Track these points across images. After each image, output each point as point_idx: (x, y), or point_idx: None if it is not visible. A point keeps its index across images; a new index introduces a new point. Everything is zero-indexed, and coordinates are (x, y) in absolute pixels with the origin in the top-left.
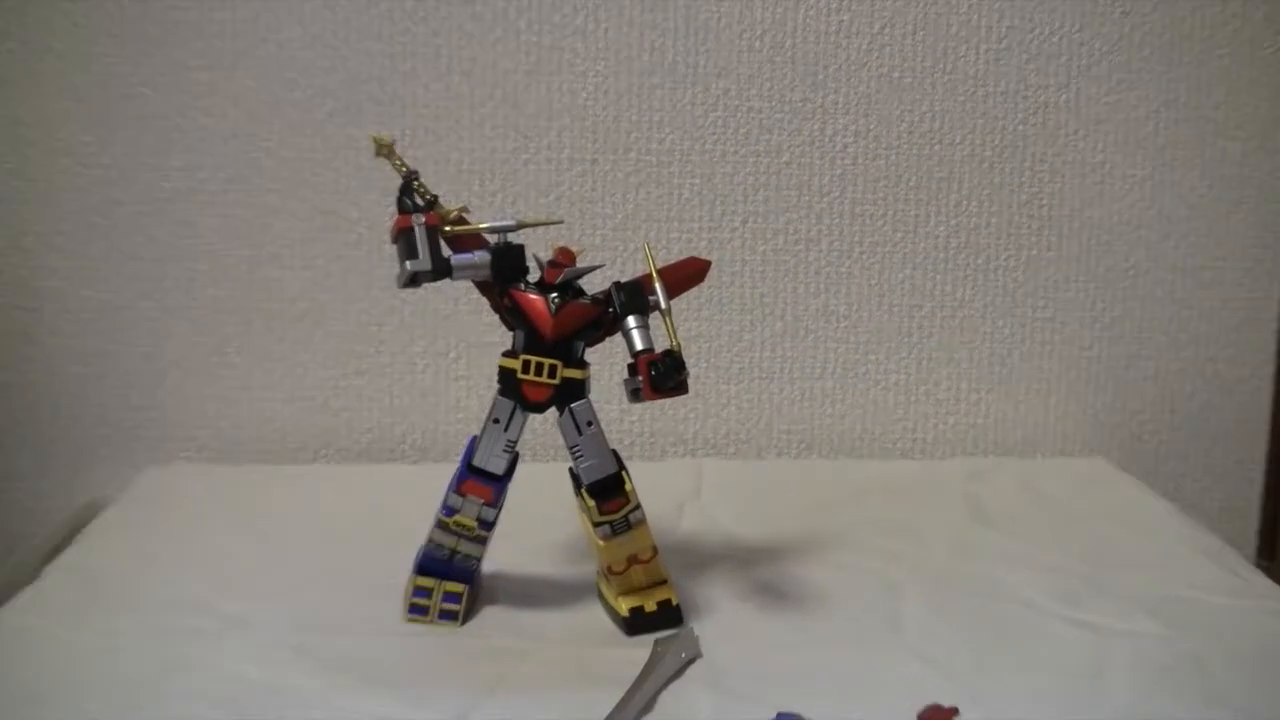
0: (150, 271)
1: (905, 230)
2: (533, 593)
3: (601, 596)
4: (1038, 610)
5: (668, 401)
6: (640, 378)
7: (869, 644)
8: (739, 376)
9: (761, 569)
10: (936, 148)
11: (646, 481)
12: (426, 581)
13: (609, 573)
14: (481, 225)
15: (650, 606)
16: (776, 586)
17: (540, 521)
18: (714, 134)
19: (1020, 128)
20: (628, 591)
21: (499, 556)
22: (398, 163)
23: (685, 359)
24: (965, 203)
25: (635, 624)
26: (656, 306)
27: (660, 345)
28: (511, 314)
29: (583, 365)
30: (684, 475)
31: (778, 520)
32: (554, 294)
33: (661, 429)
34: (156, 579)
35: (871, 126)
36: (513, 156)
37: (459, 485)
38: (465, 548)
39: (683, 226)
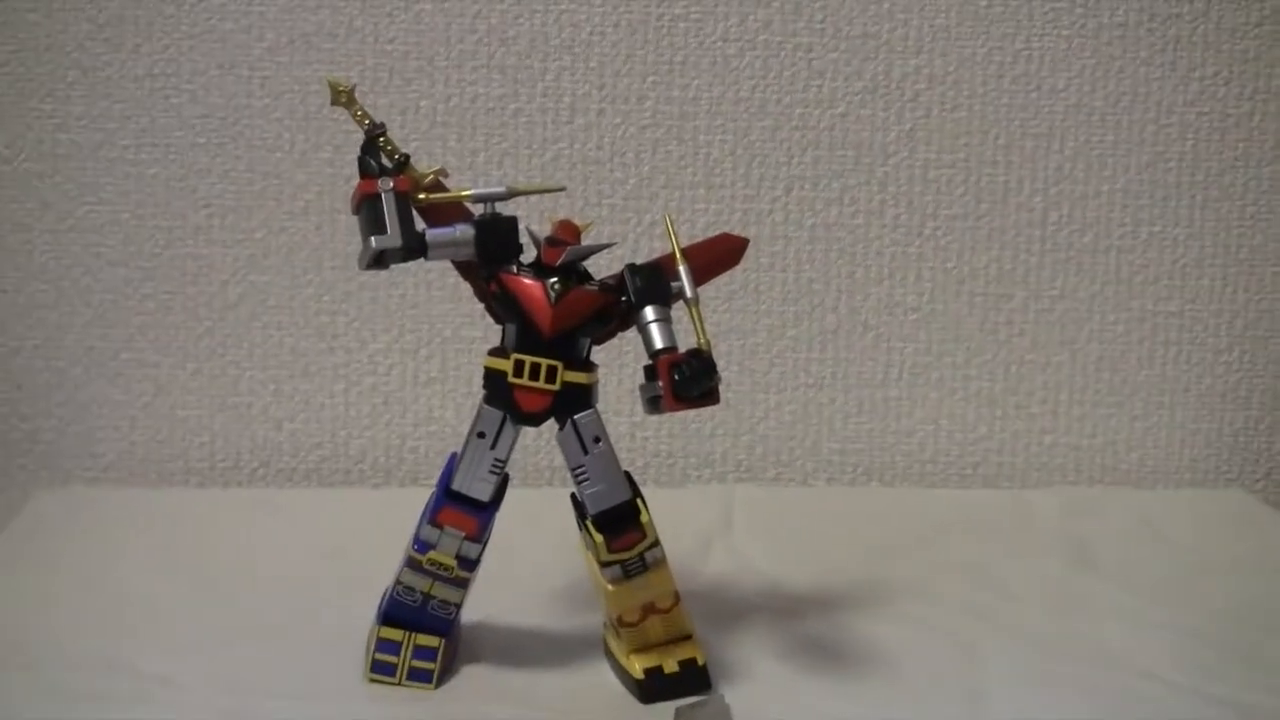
0: (43, 246)
1: (992, 201)
2: (525, 648)
3: (610, 654)
4: (1160, 682)
5: (693, 413)
6: (660, 383)
7: (943, 718)
8: (780, 383)
9: (807, 622)
10: (1033, 95)
11: (666, 512)
12: (394, 633)
13: (620, 625)
14: (464, 192)
15: (670, 666)
16: (825, 645)
17: (535, 560)
18: (750, 78)
19: (1142, 69)
20: (643, 648)
21: (483, 603)
22: (359, 113)
23: (716, 360)
24: (1069, 166)
25: (652, 688)
26: (680, 294)
27: (685, 343)
28: (500, 303)
29: (589, 367)
30: (712, 505)
31: (827, 562)
32: (554, 278)
33: (684, 448)
34: (55, 629)
35: (950, 69)
36: (500, 105)
37: (435, 515)
38: (442, 592)
39: (711, 195)
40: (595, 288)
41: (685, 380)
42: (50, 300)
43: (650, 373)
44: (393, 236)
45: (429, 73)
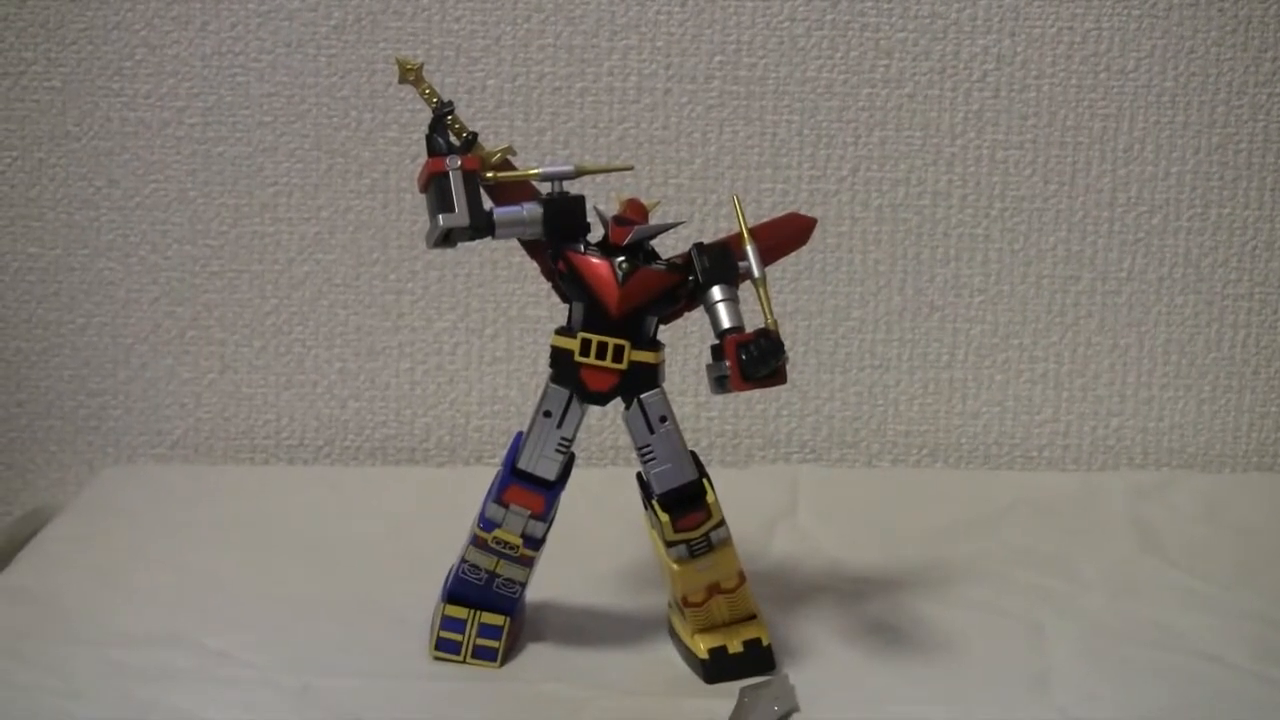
0: (110, 224)
1: (1060, 182)
2: (589, 627)
3: (674, 634)
4: (1226, 666)
5: (758, 394)
6: (727, 363)
7: (1007, 703)
8: (845, 364)
9: (872, 604)
10: (1102, 76)
11: (731, 492)
12: (459, 611)
13: (685, 604)
14: (531, 171)
15: (735, 647)
16: (891, 627)
17: (599, 540)
18: (818, 58)
19: (1214, 50)
20: (708, 628)
21: (548, 582)
22: (426, 91)
23: (783, 340)
24: (1138, 147)
25: (716, 668)
26: (748, 274)
27: (752, 323)
28: (568, 282)
29: (655, 346)
30: (777, 486)
31: (892, 544)
32: (621, 258)
33: (749, 428)
34: (119, 605)
35: (1019, 49)
36: (566, 85)
37: (501, 493)
38: (507, 570)
39: (778, 175)
40: (662, 267)
41: (753, 360)
42: (117, 277)
43: (717, 352)
44: (460, 215)
45: (495, 51)
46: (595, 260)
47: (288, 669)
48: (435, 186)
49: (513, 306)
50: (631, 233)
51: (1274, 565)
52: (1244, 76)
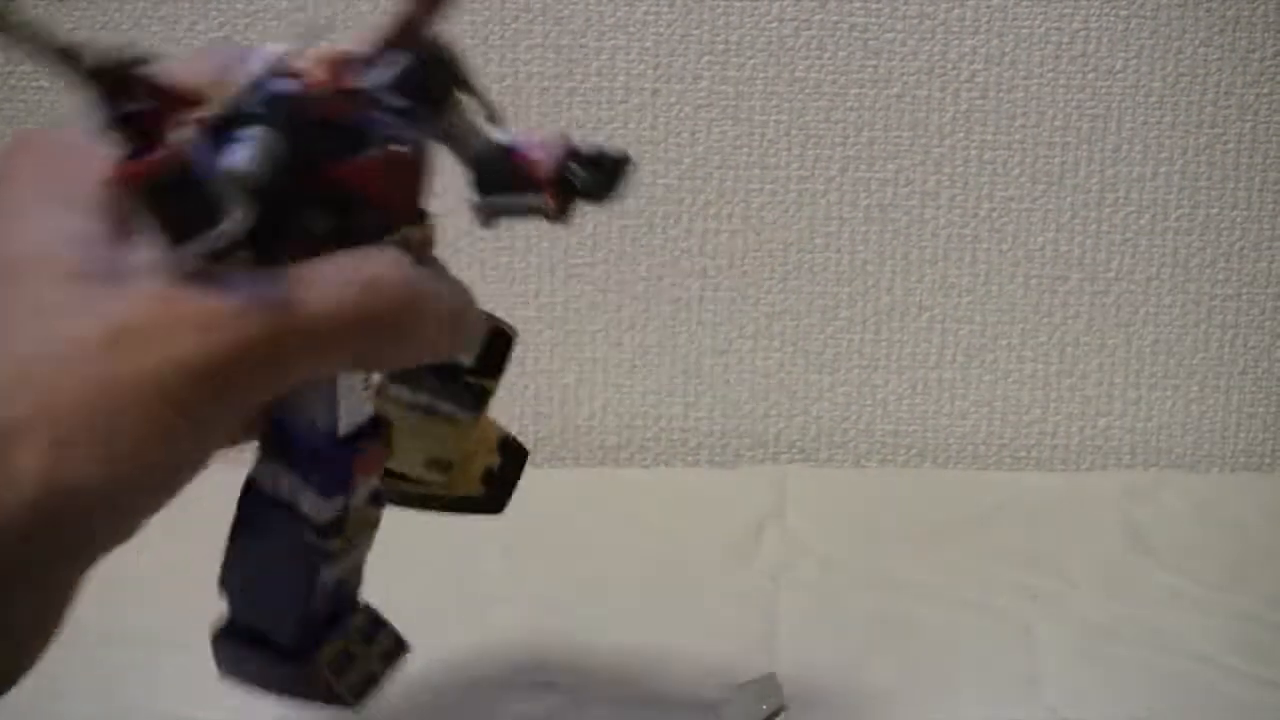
0: None
1: (1048, 182)
2: (575, 628)
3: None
4: (1215, 666)
5: (747, 394)
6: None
7: (997, 702)
8: (834, 364)
9: (860, 604)
10: (1090, 76)
11: (718, 493)
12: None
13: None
14: None
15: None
16: (879, 626)
17: (587, 541)
18: (806, 58)
19: (1201, 50)
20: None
21: (533, 583)
22: None
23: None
24: (1126, 147)
25: (495, 491)
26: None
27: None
28: None
29: None
30: (764, 487)
31: (881, 544)
32: None
33: (736, 428)
34: (107, 605)
35: (1007, 49)
36: (554, 85)
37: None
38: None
39: (766, 174)
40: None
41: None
42: None
43: (498, 174)
44: None
45: (483, 51)
46: None
47: None
48: None
49: (500, 309)
50: None
51: (1264, 565)
52: (1232, 77)
